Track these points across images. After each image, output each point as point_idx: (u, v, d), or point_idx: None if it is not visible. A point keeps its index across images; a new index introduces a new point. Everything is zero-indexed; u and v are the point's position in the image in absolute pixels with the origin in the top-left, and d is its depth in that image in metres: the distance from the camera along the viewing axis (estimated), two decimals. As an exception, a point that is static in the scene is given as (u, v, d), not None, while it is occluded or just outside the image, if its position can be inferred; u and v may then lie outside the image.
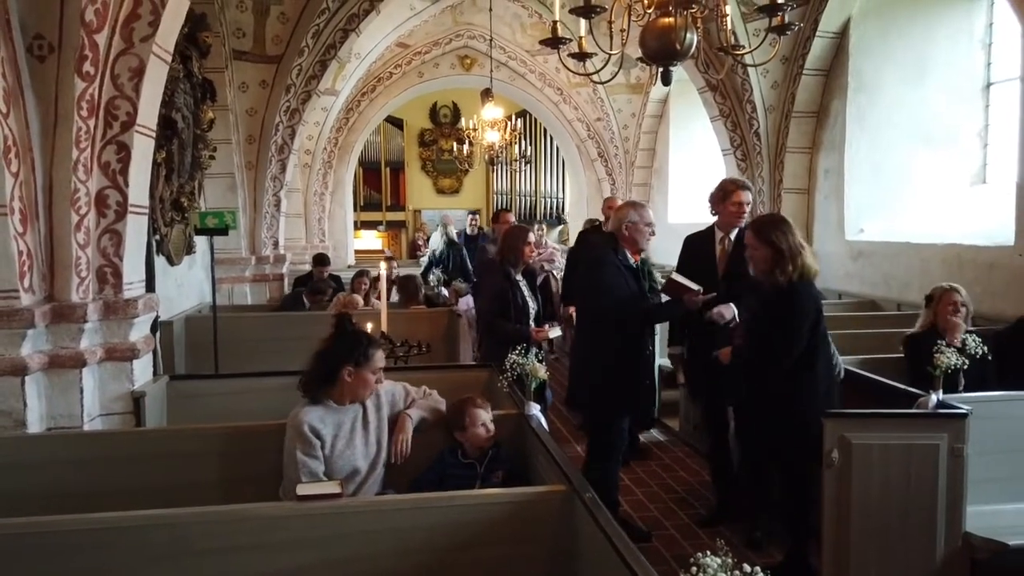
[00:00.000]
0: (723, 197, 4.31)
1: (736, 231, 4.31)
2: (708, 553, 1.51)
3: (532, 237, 4.65)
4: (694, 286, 3.93)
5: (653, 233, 4.12)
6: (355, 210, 15.62)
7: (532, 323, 4.50)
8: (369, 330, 3.60)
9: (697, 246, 4.50)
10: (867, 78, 7.03)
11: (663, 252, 8.84)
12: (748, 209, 4.31)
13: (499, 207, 18.02)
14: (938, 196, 6.97)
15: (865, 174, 7.13)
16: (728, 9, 3.32)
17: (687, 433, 5.81)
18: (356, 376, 2.87)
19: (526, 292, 4.57)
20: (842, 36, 7.04)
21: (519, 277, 4.57)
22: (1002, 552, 3.06)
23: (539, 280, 7.86)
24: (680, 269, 4.46)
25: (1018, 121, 5.33)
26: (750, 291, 3.77)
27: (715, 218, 4.45)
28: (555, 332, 4.52)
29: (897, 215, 7.04)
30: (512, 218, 7.38)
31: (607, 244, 4.11)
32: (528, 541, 2.38)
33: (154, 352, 3.91)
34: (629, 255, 4.06)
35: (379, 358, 2.95)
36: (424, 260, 12.26)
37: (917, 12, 6.88)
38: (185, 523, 2.26)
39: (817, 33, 6.98)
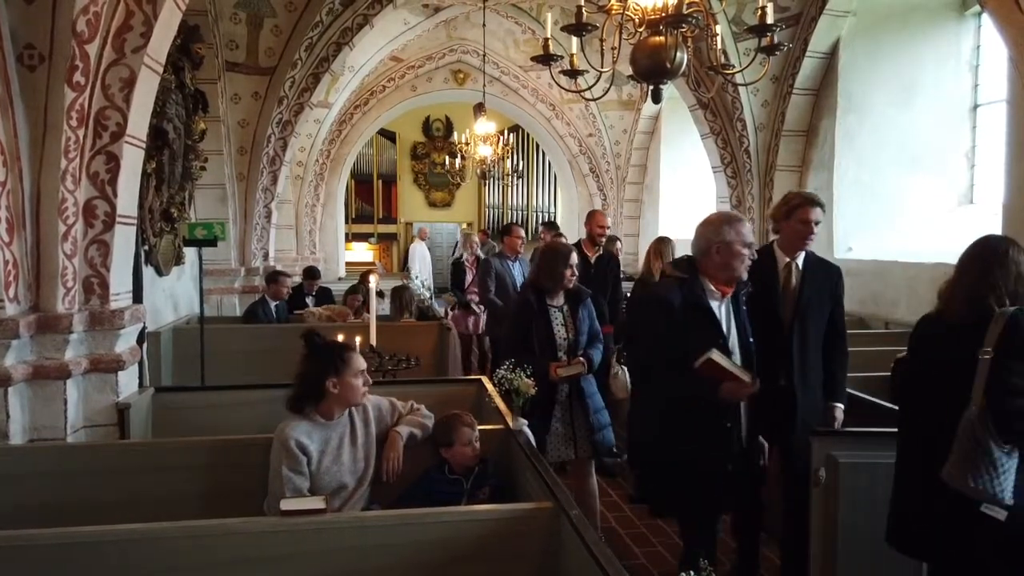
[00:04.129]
0: (787, 213, 3.50)
1: (803, 256, 3.53)
2: (691, 572, 1.51)
3: (575, 259, 4.03)
4: (744, 375, 2.89)
5: (754, 257, 3.10)
6: (347, 222, 15.65)
7: (564, 356, 3.93)
8: (357, 343, 3.60)
9: (753, 269, 3.30)
10: (856, 98, 7.10)
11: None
12: (817, 230, 3.49)
13: (491, 221, 18.11)
14: (926, 216, 7.03)
15: (853, 193, 7.19)
16: (718, 29, 3.37)
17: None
18: (341, 384, 2.85)
19: (557, 320, 3.99)
20: (832, 56, 7.11)
21: (554, 302, 4.00)
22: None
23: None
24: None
25: (1004, 142, 5.39)
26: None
27: (776, 237, 3.65)
28: (573, 369, 3.88)
29: (885, 234, 7.09)
30: (521, 232, 7.06)
31: (679, 272, 3.10)
32: (514, 558, 2.37)
33: (141, 363, 3.88)
34: (712, 288, 3.05)
35: (357, 360, 2.91)
36: (421, 279, 11.94)
37: (905, 34, 6.96)
38: (168, 537, 2.23)
39: (807, 53, 7.05)
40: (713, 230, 3.06)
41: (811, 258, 3.57)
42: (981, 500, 2.43)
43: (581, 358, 3.93)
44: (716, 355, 2.80)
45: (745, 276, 3.10)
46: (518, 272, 6.65)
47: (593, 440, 3.95)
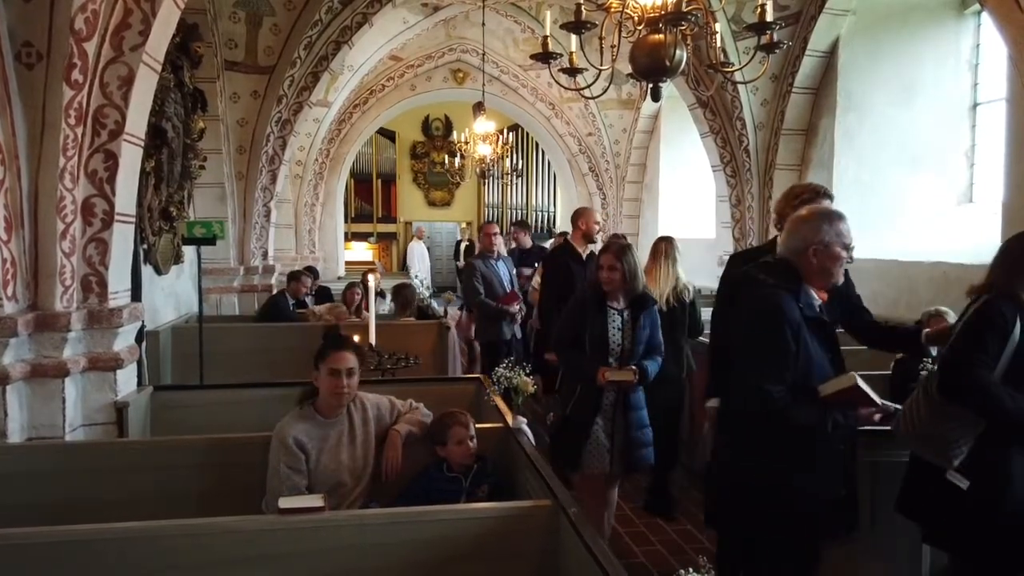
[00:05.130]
0: (794, 207, 3.24)
1: None
2: (691, 570, 1.50)
3: (610, 260, 3.67)
4: (878, 399, 2.61)
5: (851, 260, 2.71)
6: (346, 221, 15.63)
7: (615, 362, 3.65)
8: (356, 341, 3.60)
9: None
10: (856, 97, 7.09)
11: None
12: None
13: (487, 220, 18.10)
14: (925, 215, 7.02)
15: (853, 192, 7.17)
16: (718, 27, 3.36)
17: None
18: (319, 380, 2.89)
19: (615, 324, 3.69)
20: (831, 55, 7.11)
21: (615, 304, 3.71)
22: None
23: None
24: (726, 304, 3.29)
25: (1004, 141, 5.39)
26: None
27: (779, 232, 3.27)
28: (622, 375, 3.60)
29: (885, 233, 7.08)
30: (494, 229, 6.80)
31: (781, 279, 2.62)
32: (513, 556, 2.37)
33: (139, 362, 3.88)
34: (814, 295, 2.66)
35: (336, 358, 2.86)
36: (421, 278, 11.79)
37: (905, 33, 6.96)
38: (166, 536, 2.23)
39: (807, 52, 7.04)
40: (811, 229, 2.65)
41: None
42: (923, 457, 2.67)
43: (633, 367, 3.65)
44: (859, 379, 2.49)
45: (841, 281, 2.75)
46: (503, 271, 6.55)
47: (632, 457, 3.71)
